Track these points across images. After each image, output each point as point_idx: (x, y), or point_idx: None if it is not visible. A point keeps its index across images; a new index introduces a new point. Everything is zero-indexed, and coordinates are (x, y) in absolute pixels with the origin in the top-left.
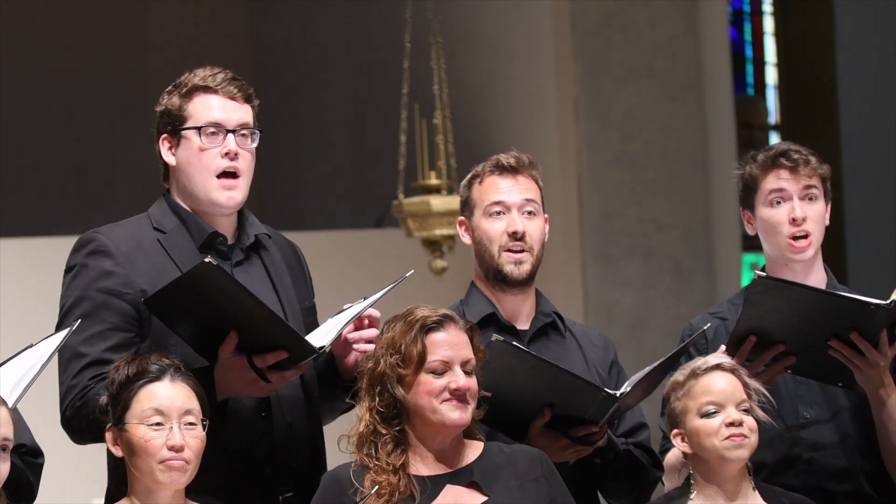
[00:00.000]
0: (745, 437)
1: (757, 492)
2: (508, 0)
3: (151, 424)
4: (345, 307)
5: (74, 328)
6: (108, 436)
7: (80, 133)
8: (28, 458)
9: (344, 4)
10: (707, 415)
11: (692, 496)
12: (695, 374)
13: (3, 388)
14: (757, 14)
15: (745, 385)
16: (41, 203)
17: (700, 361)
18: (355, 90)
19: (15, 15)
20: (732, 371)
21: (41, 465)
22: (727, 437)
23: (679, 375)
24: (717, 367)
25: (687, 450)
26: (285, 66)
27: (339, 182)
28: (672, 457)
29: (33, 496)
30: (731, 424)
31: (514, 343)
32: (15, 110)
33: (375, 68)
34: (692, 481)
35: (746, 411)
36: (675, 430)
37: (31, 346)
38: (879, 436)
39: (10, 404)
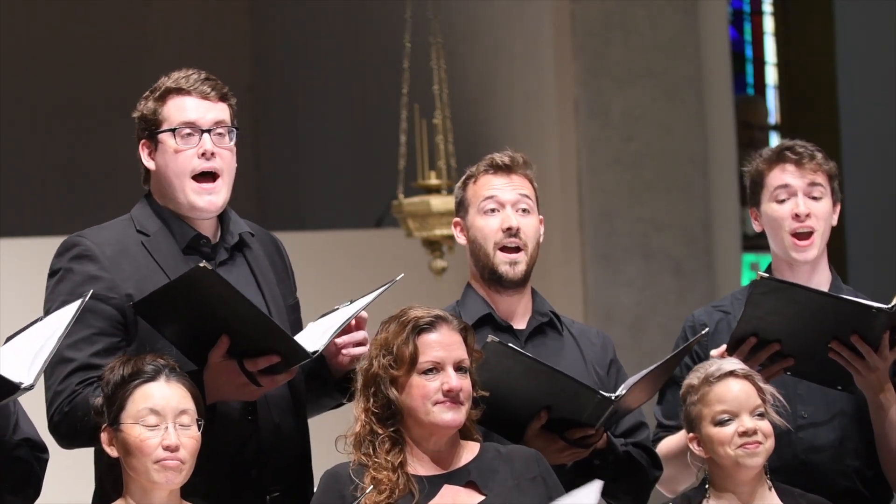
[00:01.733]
0: (760, 443)
1: (774, 493)
2: (508, 0)
3: (147, 424)
4: (336, 308)
5: (87, 299)
6: (104, 436)
7: (79, 133)
8: (35, 452)
9: (344, 4)
10: (721, 423)
11: (707, 499)
12: (708, 381)
13: (19, 365)
14: (757, 14)
15: (760, 390)
16: (41, 203)
17: (714, 367)
18: (355, 90)
19: (15, 14)
20: (746, 377)
21: (46, 461)
22: (741, 446)
23: (694, 379)
24: (731, 373)
25: (702, 454)
26: (285, 66)
27: (339, 182)
28: (667, 445)
29: (38, 491)
30: (745, 433)
31: (510, 344)
32: (14, 110)
33: (375, 68)
34: (707, 485)
35: (761, 416)
36: (691, 434)
37: (39, 319)
38: (877, 441)
39: (28, 382)
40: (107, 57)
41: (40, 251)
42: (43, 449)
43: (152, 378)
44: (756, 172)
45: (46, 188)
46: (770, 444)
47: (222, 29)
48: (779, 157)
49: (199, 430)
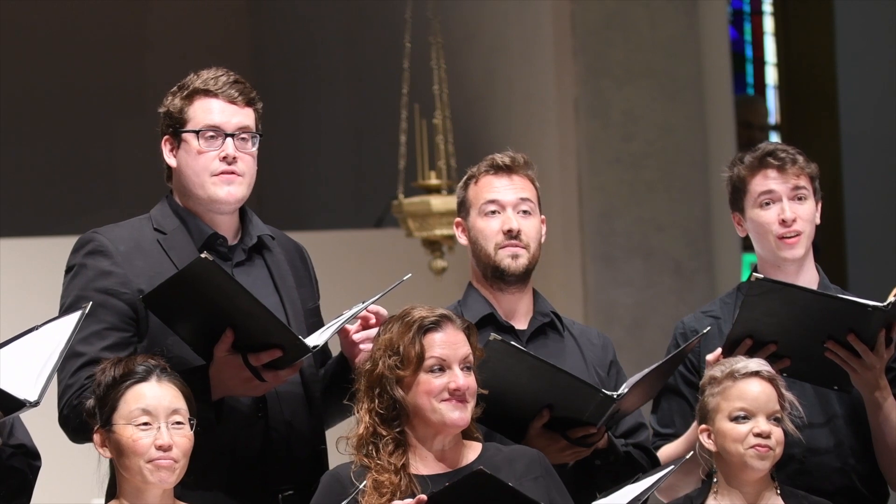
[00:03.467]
0: (771, 449)
1: (779, 495)
2: (508, 0)
3: (139, 425)
4: (348, 310)
5: (87, 311)
6: (96, 437)
7: (80, 133)
8: (28, 459)
9: (344, 4)
10: (737, 419)
11: (714, 494)
12: (733, 376)
13: (23, 379)
14: (757, 14)
15: (781, 396)
16: (41, 203)
17: (741, 364)
18: (355, 90)
19: (16, 15)
20: (770, 380)
21: (38, 468)
22: (752, 447)
23: (717, 371)
24: (757, 373)
25: (711, 447)
26: (285, 66)
27: (339, 182)
28: (666, 453)
29: (29, 499)
30: (759, 435)
31: (512, 343)
32: (15, 110)
33: (375, 68)
34: (715, 479)
35: (778, 421)
36: (703, 426)
37: (34, 328)
38: (874, 438)
39: (35, 398)
40: (107, 56)
41: (40, 251)
42: (36, 456)
43: (144, 378)
44: (738, 179)
45: (46, 188)
46: (779, 451)
47: (222, 29)
48: (761, 164)
49: (191, 429)
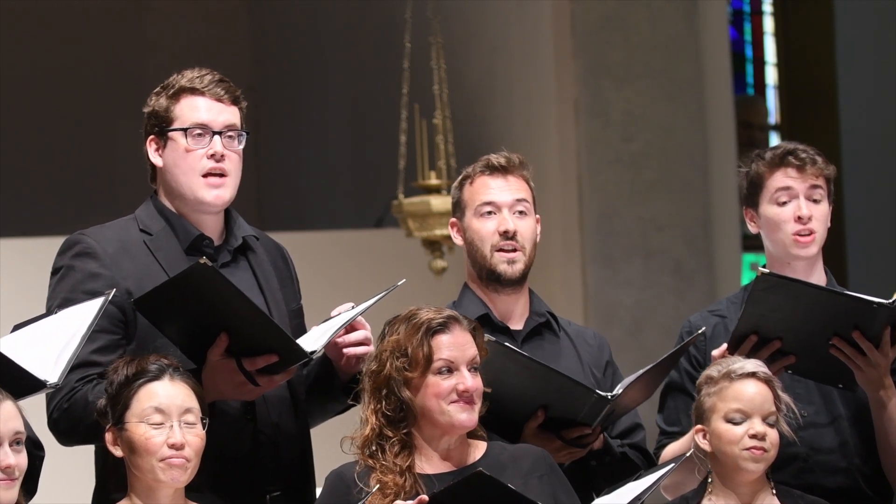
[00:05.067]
0: (766, 450)
1: (775, 495)
2: (508, 0)
3: (152, 423)
4: (333, 314)
5: (111, 297)
6: (108, 436)
7: (80, 133)
8: (32, 450)
9: (344, 5)
10: (732, 421)
11: (709, 495)
12: (729, 376)
13: (42, 361)
14: (757, 14)
15: (777, 398)
16: (41, 203)
17: (737, 364)
18: (355, 90)
19: (15, 15)
20: (767, 382)
21: (42, 458)
22: (747, 448)
23: (714, 371)
24: (753, 374)
25: (707, 448)
26: (285, 66)
27: (339, 182)
28: (672, 451)
29: (34, 489)
30: (755, 437)
31: (507, 344)
32: (15, 110)
33: (375, 68)
34: (710, 479)
35: (773, 423)
36: (699, 427)
37: (48, 313)
38: (878, 437)
39: (55, 379)
40: (107, 57)
41: (40, 251)
42: (39, 447)
43: (157, 377)
44: (756, 175)
45: (46, 188)
46: (773, 454)
47: (222, 29)
48: (781, 162)
49: (203, 428)
